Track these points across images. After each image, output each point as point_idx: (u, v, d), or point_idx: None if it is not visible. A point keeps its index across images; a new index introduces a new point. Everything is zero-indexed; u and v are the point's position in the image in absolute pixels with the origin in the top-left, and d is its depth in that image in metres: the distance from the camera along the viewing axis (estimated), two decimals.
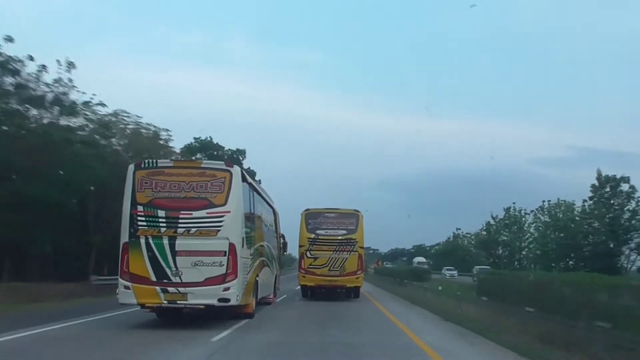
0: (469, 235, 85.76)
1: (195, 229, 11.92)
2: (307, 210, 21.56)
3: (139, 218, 11.98)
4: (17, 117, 21.09)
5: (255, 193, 15.19)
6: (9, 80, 20.60)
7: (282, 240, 22.17)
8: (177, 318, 13.33)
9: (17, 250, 22.88)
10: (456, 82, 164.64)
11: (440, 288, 22.75)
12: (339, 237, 20.90)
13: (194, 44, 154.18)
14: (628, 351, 7.93)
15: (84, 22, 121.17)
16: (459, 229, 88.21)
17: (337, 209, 21.88)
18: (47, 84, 21.61)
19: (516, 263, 62.20)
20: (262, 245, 16.09)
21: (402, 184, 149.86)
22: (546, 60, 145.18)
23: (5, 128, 20.83)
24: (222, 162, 12.59)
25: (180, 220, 11.92)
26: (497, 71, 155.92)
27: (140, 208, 12.01)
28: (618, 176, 47.51)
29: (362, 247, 21.45)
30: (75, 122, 23.30)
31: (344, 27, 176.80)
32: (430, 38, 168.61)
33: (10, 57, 20.27)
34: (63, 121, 22.75)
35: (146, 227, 11.93)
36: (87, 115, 23.82)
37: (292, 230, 22.81)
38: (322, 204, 22.56)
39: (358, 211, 21.81)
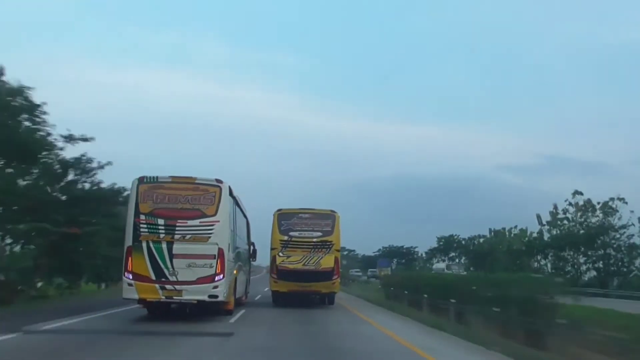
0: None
1: (189, 236, 13.99)
2: (279, 210, 20.58)
3: (142, 225, 13.96)
4: None
5: (236, 206, 17.37)
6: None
7: (252, 248, 24.16)
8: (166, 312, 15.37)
9: None
10: (429, 89, 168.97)
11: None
12: (314, 240, 19.95)
13: (163, 45, 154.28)
14: None
15: (50, 20, 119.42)
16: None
17: (312, 209, 20.81)
18: None
19: None
20: (239, 251, 18.25)
21: (372, 189, 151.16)
22: (514, 68, 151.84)
23: None
24: (214, 179, 14.67)
25: (177, 228, 13.97)
26: (469, 78, 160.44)
27: (142, 217, 14.00)
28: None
29: (338, 250, 20.60)
30: None
31: (316, 31, 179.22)
32: (402, 43, 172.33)
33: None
34: None
35: (147, 233, 13.92)
36: None
37: (261, 235, 23.35)
38: (293, 206, 21.41)
39: (334, 212, 20.75)
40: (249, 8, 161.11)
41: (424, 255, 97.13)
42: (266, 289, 30.44)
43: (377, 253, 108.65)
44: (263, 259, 26.49)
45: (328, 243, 20.08)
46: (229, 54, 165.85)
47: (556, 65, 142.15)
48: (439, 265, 70.88)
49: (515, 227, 62.86)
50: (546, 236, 51.98)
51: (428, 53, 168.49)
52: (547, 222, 51.43)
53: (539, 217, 52.55)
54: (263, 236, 23.41)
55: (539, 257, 52.15)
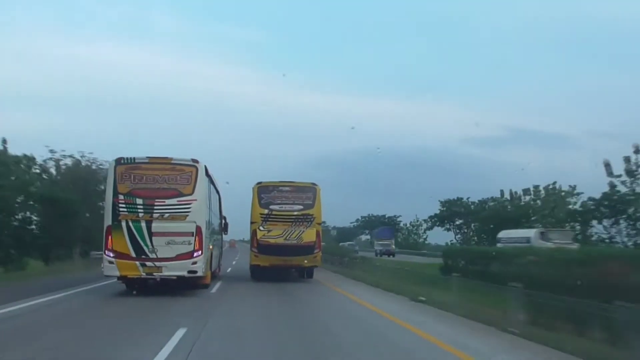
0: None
1: (168, 214, 14.51)
2: (259, 183, 20.48)
3: (120, 205, 14.39)
4: None
5: (211, 184, 17.91)
6: None
7: (224, 222, 24.64)
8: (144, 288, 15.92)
9: None
10: (393, 63, 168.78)
11: None
12: (295, 213, 19.81)
13: (118, 16, 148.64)
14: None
15: None
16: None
17: (293, 182, 20.69)
18: None
19: None
20: (214, 227, 18.89)
21: (333, 163, 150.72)
22: (476, 39, 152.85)
23: None
24: (190, 159, 15.12)
25: (155, 207, 14.45)
26: (428, 51, 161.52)
27: (121, 197, 14.42)
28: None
29: (319, 223, 20.54)
30: None
31: (278, 3, 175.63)
32: (365, 17, 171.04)
33: None
34: None
35: (126, 213, 14.36)
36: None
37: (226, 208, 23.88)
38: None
39: (315, 184, 20.69)
40: None
41: (408, 225, 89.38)
42: (234, 262, 31.17)
43: (355, 224, 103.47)
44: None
45: (309, 216, 19.91)
46: (186, 27, 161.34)
47: (516, 37, 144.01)
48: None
49: (554, 183, 49.54)
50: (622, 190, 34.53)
51: (390, 27, 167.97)
52: (626, 172, 34.06)
53: (608, 165, 36.25)
54: (230, 210, 24.25)
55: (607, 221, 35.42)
